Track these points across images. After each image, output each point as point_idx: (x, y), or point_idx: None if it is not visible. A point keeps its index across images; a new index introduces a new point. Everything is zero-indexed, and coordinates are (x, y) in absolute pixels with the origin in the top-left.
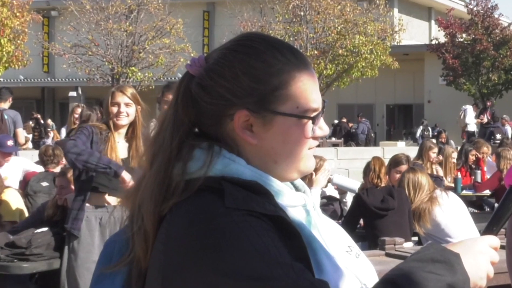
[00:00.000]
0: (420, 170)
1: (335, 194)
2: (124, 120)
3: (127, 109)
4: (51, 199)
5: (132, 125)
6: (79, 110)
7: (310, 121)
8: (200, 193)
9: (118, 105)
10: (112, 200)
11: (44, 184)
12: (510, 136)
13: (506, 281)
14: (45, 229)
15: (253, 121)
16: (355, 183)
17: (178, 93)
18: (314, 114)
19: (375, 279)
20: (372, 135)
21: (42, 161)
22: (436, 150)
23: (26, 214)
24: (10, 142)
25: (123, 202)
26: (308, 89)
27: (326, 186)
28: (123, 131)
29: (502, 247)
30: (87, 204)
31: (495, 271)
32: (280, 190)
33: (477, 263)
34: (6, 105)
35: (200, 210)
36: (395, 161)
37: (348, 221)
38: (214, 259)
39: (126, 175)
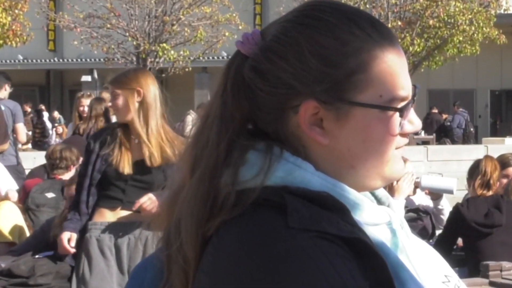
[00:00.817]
0: None
1: (427, 203)
2: (119, 116)
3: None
4: (59, 215)
5: (142, 112)
6: (86, 101)
7: (397, 113)
8: (255, 209)
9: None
10: (126, 215)
11: (50, 195)
12: None
13: None
14: (51, 253)
15: (323, 114)
16: (451, 181)
17: (227, 79)
18: (403, 104)
19: None
20: (472, 129)
21: (49, 165)
22: None
23: (27, 233)
24: None
25: (155, 220)
26: (394, 72)
27: (413, 194)
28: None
29: None
30: (101, 221)
31: None
32: (358, 203)
33: None
34: (2, 94)
35: (256, 232)
36: (502, 163)
37: (443, 241)
38: None
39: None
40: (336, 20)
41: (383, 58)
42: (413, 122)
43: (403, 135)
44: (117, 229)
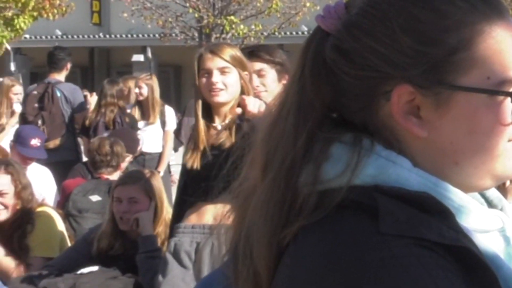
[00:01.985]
0: None
1: None
2: (221, 96)
3: (223, 77)
4: (106, 222)
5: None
6: (144, 84)
7: (509, 99)
8: (341, 212)
9: (209, 72)
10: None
11: (95, 198)
12: None
13: None
14: (95, 268)
15: (420, 101)
16: None
17: (305, 60)
18: None
19: None
20: None
21: (93, 162)
22: None
23: (69, 244)
24: (35, 141)
25: (220, 230)
26: (504, 50)
27: None
28: (225, 110)
29: None
30: (185, 223)
31: None
32: (464, 206)
33: None
34: (61, 76)
35: (341, 239)
36: None
37: None
38: None
39: None
40: None
41: (491, 33)
42: None
43: None
44: (201, 232)
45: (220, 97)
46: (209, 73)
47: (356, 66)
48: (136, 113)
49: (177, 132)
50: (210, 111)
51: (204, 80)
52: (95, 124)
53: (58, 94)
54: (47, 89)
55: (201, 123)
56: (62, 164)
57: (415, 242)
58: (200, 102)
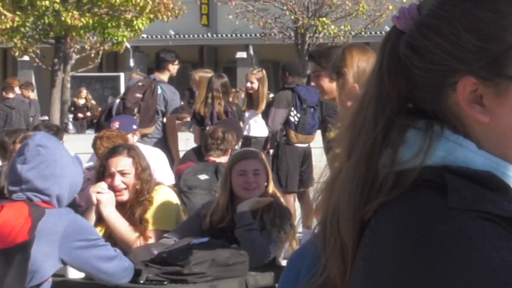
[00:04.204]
0: None
1: None
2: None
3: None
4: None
5: None
6: (254, 77)
7: None
8: (415, 190)
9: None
10: None
11: (203, 177)
12: None
13: None
14: (206, 239)
15: (483, 91)
16: None
17: (383, 56)
18: None
19: None
20: None
21: (206, 145)
22: None
23: (183, 217)
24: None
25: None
26: None
27: None
28: None
29: None
30: None
31: None
32: None
33: None
34: (164, 76)
35: (416, 213)
36: None
37: None
38: (436, 281)
39: None
40: None
41: None
42: None
43: None
44: None
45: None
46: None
47: (426, 61)
48: (245, 103)
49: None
50: None
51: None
52: (209, 114)
53: (159, 91)
54: (151, 84)
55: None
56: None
57: (479, 215)
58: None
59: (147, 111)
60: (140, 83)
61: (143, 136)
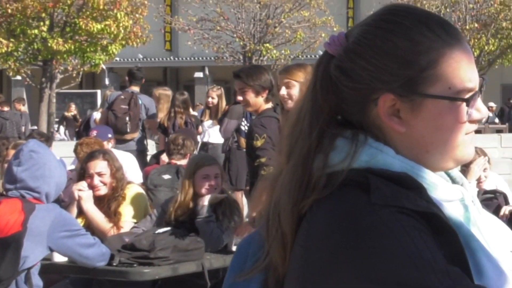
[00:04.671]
0: None
1: (502, 185)
2: (288, 103)
3: (289, 90)
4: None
5: None
6: (214, 94)
7: (465, 103)
8: (343, 188)
9: (281, 87)
10: None
11: (166, 177)
12: None
13: None
14: (168, 229)
15: (400, 106)
16: None
17: (316, 76)
18: (469, 94)
19: None
20: None
21: (168, 150)
22: None
23: (150, 211)
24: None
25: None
26: (461, 67)
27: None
28: None
29: None
30: None
31: None
32: (434, 182)
33: None
34: (138, 88)
35: (343, 208)
36: None
37: None
38: (360, 264)
39: None
40: (409, 23)
41: (451, 54)
42: (480, 110)
43: (472, 122)
44: None
45: (289, 105)
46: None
47: (352, 81)
48: (207, 114)
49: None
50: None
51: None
52: (172, 125)
53: (140, 102)
54: (133, 97)
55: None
56: (136, 151)
57: (397, 210)
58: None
59: (135, 118)
60: (122, 96)
61: (130, 139)
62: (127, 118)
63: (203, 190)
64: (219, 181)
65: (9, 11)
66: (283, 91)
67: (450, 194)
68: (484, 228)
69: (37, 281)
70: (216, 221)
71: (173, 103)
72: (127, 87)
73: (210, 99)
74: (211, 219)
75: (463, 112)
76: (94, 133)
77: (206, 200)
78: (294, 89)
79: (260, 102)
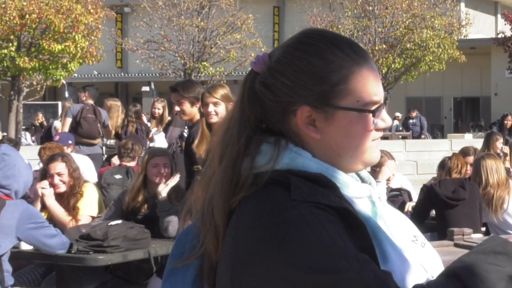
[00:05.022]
0: (495, 157)
1: (406, 184)
2: (214, 119)
3: (215, 108)
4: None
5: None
6: (159, 105)
7: (371, 114)
8: (267, 187)
9: (207, 105)
10: None
11: (118, 176)
12: None
13: None
14: (119, 221)
15: (315, 116)
16: None
17: (244, 91)
18: (375, 107)
19: (441, 268)
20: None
21: (119, 153)
22: (502, 140)
23: (103, 208)
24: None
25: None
26: (368, 83)
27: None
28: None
29: None
30: None
31: None
32: (345, 182)
33: None
34: (93, 102)
35: (268, 203)
36: (463, 153)
37: (419, 212)
38: (281, 252)
39: None
40: (323, 44)
41: (359, 72)
42: (385, 120)
43: (377, 130)
44: None
45: (213, 119)
46: (207, 105)
47: (274, 95)
48: (153, 123)
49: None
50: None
51: (206, 108)
52: (124, 132)
53: (99, 112)
54: (93, 108)
55: (206, 130)
56: (96, 155)
57: (314, 205)
58: (204, 120)
59: (102, 125)
60: (87, 108)
61: (97, 143)
62: (99, 125)
63: (153, 177)
64: (168, 170)
65: None
66: (211, 108)
67: (360, 191)
68: (389, 221)
69: (7, 266)
70: (172, 207)
71: (127, 114)
72: (84, 100)
73: (156, 110)
74: (171, 211)
75: (370, 121)
76: (57, 138)
77: (164, 192)
78: (219, 107)
79: (194, 111)
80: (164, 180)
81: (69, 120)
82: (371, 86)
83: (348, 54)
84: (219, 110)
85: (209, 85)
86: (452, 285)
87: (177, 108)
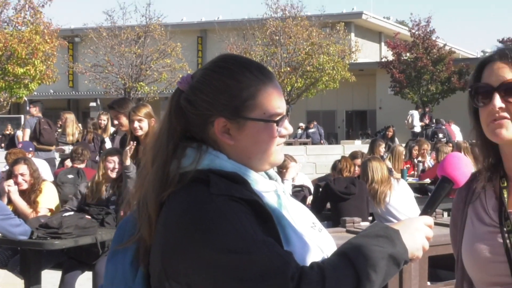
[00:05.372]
0: (379, 159)
1: (307, 182)
2: (139, 132)
3: (140, 123)
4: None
5: (148, 133)
6: (103, 117)
7: (275, 124)
8: (191, 183)
9: (133, 121)
10: None
11: (70, 176)
12: (447, 135)
13: (444, 251)
14: (71, 213)
15: (229, 126)
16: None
17: (171, 105)
18: (279, 118)
19: (334, 249)
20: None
21: (71, 157)
22: (383, 145)
23: (58, 202)
24: (31, 149)
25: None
26: (272, 99)
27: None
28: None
29: (439, 224)
30: None
31: (434, 243)
32: (255, 179)
33: (414, 238)
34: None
35: (191, 197)
36: (352, 156)
37: (317, 204)
38: (202, 238)
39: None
40: (235, 67)
41: (265, 89)
42: (287, 128)
43: (281, 136)
44: None
45: (138, 133)
46: (133, 121)
47: (196, 109)
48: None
49: None
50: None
51: (132, 124)
52: (84, 139)
53: (53, 124)
54: (48, 122)
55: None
56: (51, 159)
57: (229, 198)
58: (131, 132)
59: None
60: (42, 120)
61: (53, 149)
62: (56, 135)
63: (108, 171)
64: (119, 165)
65: None
66: (136, 124)
67: (267, 187)
68: (292, 211)
69: None
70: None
71: (86, 125)
72: (35, 114)
73: (101, 121)
74: (131, 174)
75: (274, 130)
76: (20, 146)
77: (128, 161)
78: (143, 123)
79: None
80: (115, 175)
81: (28, 131)
82: (275, 101)
83: (256, 75)
84: (143, 125)
85: (135, 105)
86: (342, 262)
87: (116, 122)
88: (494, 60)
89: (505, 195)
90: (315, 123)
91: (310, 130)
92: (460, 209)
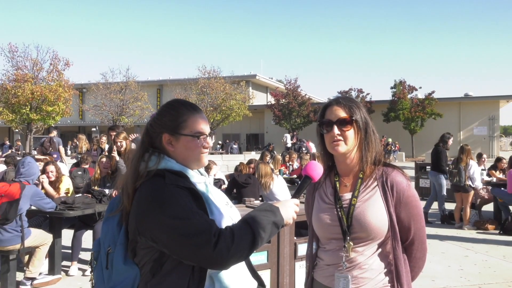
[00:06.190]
0: (265, 163)
1: (223, 177)
2: (121, 148)
3: (120, 143)
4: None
5: (126, 148)
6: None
7: (201, 138)
8: (153, 177)
9: (117, 142)
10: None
11: (79, 172)
12: (307, 149)
13: (304, 219)
14: (80, 195)
15: (171, 139)
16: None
17: (145, 129)
18: (202, 136)
19: (239, 218)
20: (235, 147)
21: (80, 161)
22: (269, 155)
23: (72, 188)
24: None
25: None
26: (198, 123)
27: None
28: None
29: (302, 203)
30: None
31: (299, 214)
32: (192, 174)
33: (288, 211)
34: (54, 134)
35: (154, 185)
36: (249, 162)
37: (228, 190)
38: (160, 209)
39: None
40: (177, 104)
41: (194, 117)
42: (208, 142)
43: (204, 147)
44: None
45: (121, 149)
46: (117, 142)
47: (154, 129)
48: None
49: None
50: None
51: (116, 144)
52: (88, 151)
53: (55, 140)
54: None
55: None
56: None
57: (177, 186)
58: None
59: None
60: (45, 139)
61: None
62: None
63: (103, 169)
64: (107, 164)
65: None
66: (118, 144)
67: (199, 179)
68: (214, 194)
69: (24, 217)
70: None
71: (92, 141)
72: (55, 135)
73: (102, 140)
74: (122, 167)
75: (199, 142)
76: (54, 156)
77: (117, 157)
78: (122, 143)
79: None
80: (106, 170)
81: (62, 148)
82: (200, 125)
83: (189, 109)
84: (123, 144)
85: (116, 133)
86: (244, 226)
87: (112, 135)
88: (332, 104)
89: (337, 185)
90: (228, 141)
91: (234, 146)
92: (311, 193)
